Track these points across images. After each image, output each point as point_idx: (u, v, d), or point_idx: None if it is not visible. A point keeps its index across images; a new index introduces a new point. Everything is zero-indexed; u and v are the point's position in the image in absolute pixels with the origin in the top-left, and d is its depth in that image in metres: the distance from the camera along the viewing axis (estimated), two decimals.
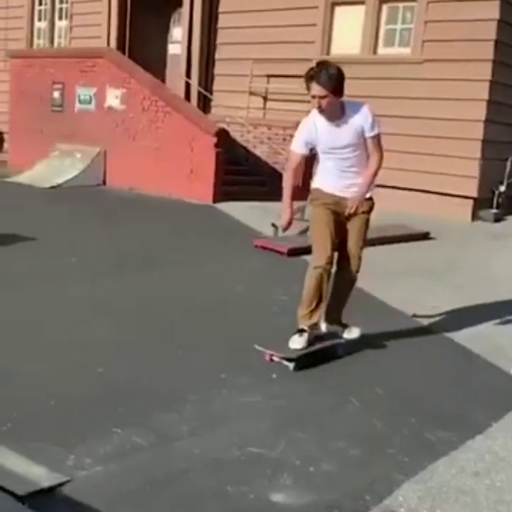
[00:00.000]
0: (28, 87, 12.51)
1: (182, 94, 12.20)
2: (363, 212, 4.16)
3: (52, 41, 15.11)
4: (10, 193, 10.25)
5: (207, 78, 12.42)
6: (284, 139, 10.26)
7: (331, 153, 4.08)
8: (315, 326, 4.18)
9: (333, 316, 4.34)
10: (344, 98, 3.99)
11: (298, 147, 4.14)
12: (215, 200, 9.93)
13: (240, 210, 9.34)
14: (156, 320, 4.77)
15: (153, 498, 2.63)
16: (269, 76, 11.16)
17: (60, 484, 2.63)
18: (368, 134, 4.04)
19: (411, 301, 5.49)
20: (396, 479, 2.83)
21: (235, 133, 11.32)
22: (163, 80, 12.34)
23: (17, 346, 4.10)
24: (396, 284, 6.12)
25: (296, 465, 2.90)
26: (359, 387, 3.79)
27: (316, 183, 4.24)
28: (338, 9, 10.72)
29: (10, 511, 2.36)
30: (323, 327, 4.33)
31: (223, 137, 10.28)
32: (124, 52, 12.71)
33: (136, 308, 5.03)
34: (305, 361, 3.96)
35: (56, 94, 11.91)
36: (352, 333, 4.32)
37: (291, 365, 3.90)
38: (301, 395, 3.67)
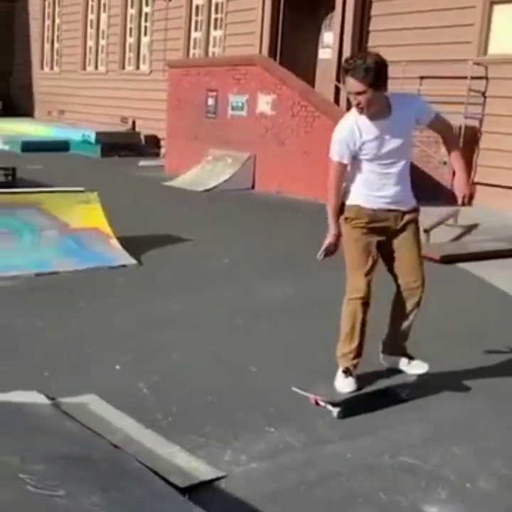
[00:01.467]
0: (184, 95, 13.09)
1: (331, 98, 12.23)
2: (412, 221, 3.58)
3: (207, 50, 15.72)
4: (166, 196, 10.78)
5: None
6: (436, 142, 9.97)
7: (377, 160, 3.43)
8: (357, 365, 3.58)
9: (396, 345, 3.73)
10: (390, 91, 3.39)
11: (340, 156, 3.45)
12: None
13: None
14: (306, 322, 4.82)
15: (306, 498, 2.67)
16: (422, 78, 10.91)
17: (218, 478, 2.74)
18: (431, 116, 3.52)
19: None
20: None
21: None
22: (312, 85, 12.44)
23: (178, 344, 4.31)
24: None
25: (452, 480, 2.82)
26: None
27: (352, 198, 3.52)
28: (496, 8, 10.25)
29: (172, 502, 2.49)
30: (381, 359, 3.78)
31: None
32: (275, 59, 12.96)
33: (288, 310, 5.10)
34: (355, 406, 3.42)
35: (210, 102, 12.38)
36: (416, 368, 3.65)
37: (335, 411, 3.37)
38: (456, 409, 3.55)
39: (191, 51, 16.16)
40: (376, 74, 3.23)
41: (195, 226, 8.15)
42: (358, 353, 3.55)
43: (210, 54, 15.56)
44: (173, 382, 3.69)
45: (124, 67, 18.38)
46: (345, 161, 3.44)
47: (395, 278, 3.61)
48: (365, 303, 3.52)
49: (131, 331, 4.51)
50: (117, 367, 3.83)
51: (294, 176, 10.79)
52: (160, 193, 11.01)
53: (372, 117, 3.36)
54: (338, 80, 12.45)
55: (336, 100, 12.35)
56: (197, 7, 15.94)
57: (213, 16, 15.52)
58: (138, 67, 17.98)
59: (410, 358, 3.70)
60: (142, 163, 14.58)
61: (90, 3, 19.66)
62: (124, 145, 16.05)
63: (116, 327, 4.56)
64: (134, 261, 6.19)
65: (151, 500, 2.46)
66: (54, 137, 17.20)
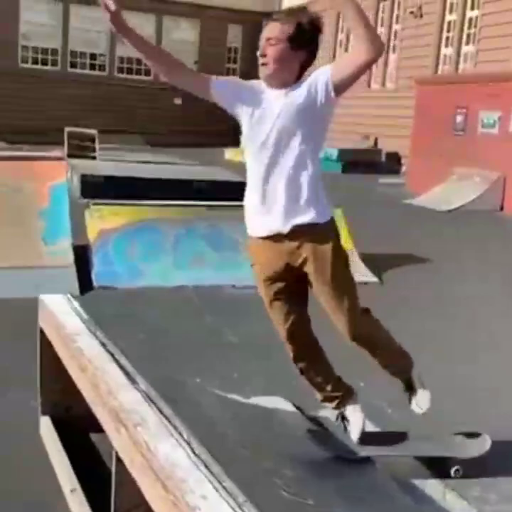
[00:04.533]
0: (431, 112, 12.85)
1: None
2: (319, 241, 2.52)
3: (456, 67, 15.30)
4: (407, 214, 10.65)
5: None
6: None
7: (256, 144, 2.51)
8: (332, 400, 2.87)
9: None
10: None
11: (218, 77, 2.59)
12: None
13: None
14: None
15: None
16: None
17: None
18: (327, 69, 2.44)
19: None
20: None
21: None
22: None
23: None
24: None
25: None
26: None
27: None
28: None
29: None
30: None
31: None
32: None
33: None
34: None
35: (459, 119, 12.01)
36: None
37: None
38: None
39: (440, 68, 15.85)
40: (302, 28, 2.43)
41: (437, 247, 7.94)
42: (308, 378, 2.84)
43: (460, 70, 15.12)
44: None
45: (369, 85, 18.58)
46: (216, 80, 2.55)
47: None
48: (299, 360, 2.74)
49: None
50: (361, 384, 3.84)
51: None
52: (401, 211, 10.92)
53: (272, 83, 2.51)
54: None
55: None
56: (449, 23, 15.60)
57: (466, 31, 15.07)
58: (384, 85, 18.06)
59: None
60: (382, 180, 14.58)
61: (340, 23, 20.19)
62: (365, 162, 16.20)
63: None
64: (375, 279, 6.20)
65: None
66: None
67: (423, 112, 13.18)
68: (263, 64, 2.47)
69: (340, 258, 2.57)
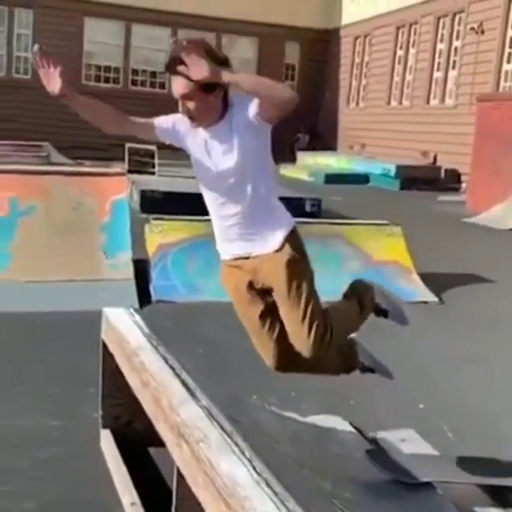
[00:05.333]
0: (493, 129, 12.61)
1: None
2: (277, 256, 2.54)
3: None
4: (466, 233, 10.46)
5: None
6: None
7: (207, 179, 2.56)
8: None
9: None
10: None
11: (161, 120, 2.60)
12: None
13: None
14: None
15: None
16: None
17: None
18: (252, 111, 2.39)
19: None
20: None
21: None
22: None
23: (481, 388, 4.12)
24: None
25: None
26: None
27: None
28: None
29: None
30: None
31: None
32: None
33: None
34: None
35: None
36: None
37: None
38: None
39: (502, 84, 15.56)
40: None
41: (497, 266, 7.75)
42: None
43: None
44: (479, 429, 3.52)
45: (428, 102, 18.38)
46: (158, 126, 2.57)
47: None
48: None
49: (431, 368, 4.42)
50: (421, 406, 3.77)
51: None
52: (461, 229, 10.72)
53: (205, 127, 2.51)
54: None
55: None
56: (511, 39, 15.33)
57: None
58: (443, 101, 17.84)
59: None
60: (441, 198, 14.35)
61: (400, 40, 20.09)
62: (424, 179, 16.00)
63: (415, 363, 4.51)
64: (435, 298, 6.09)
65: None
66: (354, 170, 17.83)
67: (484, 129, 12.93)
68: (192, 118, 2.47)
69: (297, 273, 2.55)
